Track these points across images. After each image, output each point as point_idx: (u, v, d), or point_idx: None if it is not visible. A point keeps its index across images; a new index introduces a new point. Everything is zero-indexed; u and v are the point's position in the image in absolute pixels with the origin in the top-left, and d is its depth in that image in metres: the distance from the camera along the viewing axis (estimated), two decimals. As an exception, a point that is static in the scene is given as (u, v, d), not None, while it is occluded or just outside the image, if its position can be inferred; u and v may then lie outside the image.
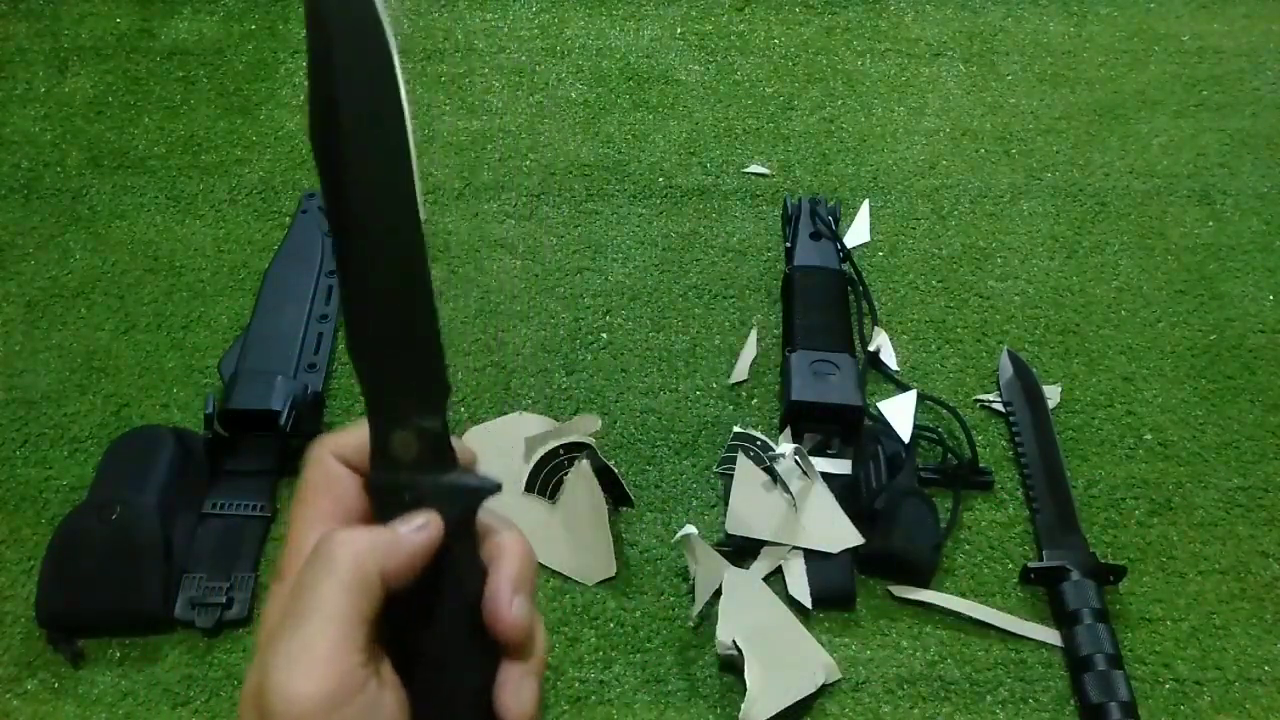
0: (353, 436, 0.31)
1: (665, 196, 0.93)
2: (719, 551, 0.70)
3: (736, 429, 0.76)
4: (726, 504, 0.72)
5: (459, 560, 0.29)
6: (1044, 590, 0.69)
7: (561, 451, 0.72)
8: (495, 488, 0.30)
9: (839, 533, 0.69)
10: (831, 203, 0.91)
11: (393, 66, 0.29)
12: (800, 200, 0.90)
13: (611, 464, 0.71)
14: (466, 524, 0.30)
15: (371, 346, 0.30)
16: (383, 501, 0.30)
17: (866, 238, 0.89)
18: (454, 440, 0.31)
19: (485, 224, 0.91)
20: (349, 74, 0.28)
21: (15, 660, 0.67)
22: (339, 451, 0.31)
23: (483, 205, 0.92)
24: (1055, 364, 0.81)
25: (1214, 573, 0.70)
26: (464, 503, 0.30)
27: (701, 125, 0.99)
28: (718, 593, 0.68)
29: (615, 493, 0.72)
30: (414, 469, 0.30)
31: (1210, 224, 0.91)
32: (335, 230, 0.30)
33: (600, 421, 0.74)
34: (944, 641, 0.67)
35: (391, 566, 0.28)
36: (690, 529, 0.67)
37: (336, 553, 0.27)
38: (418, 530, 0.29)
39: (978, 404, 0.79)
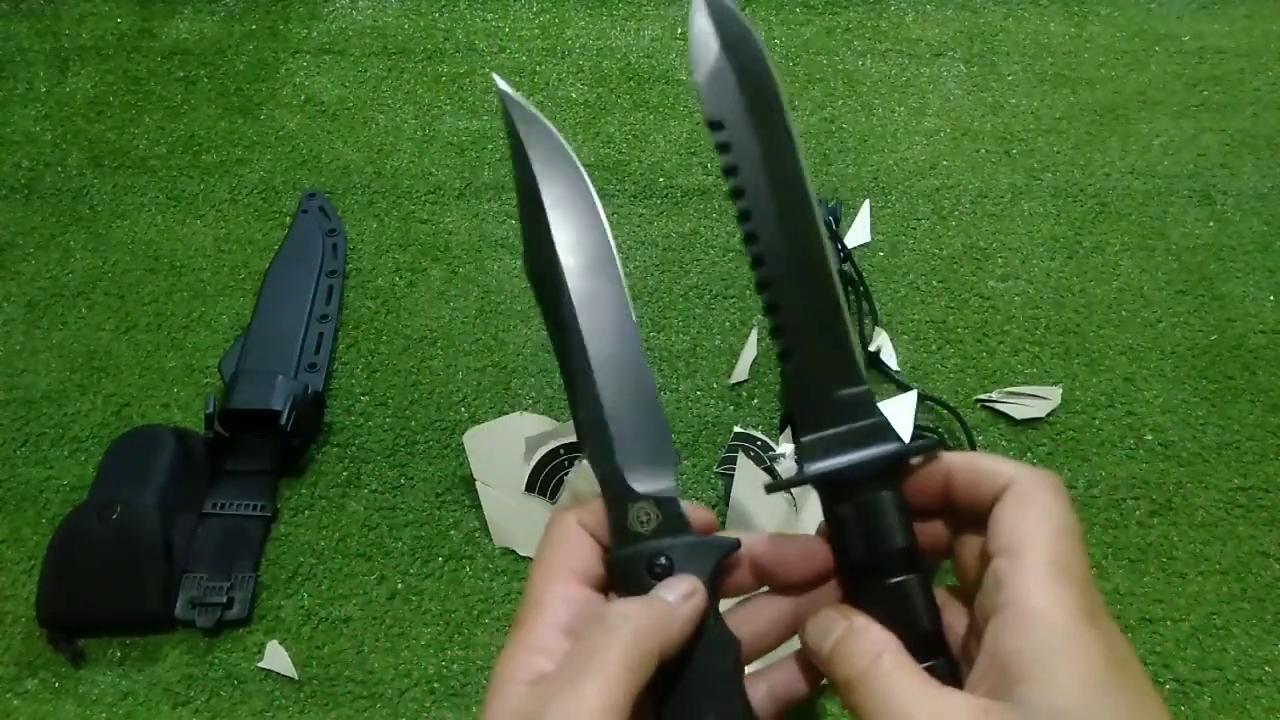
0: (595, 507, 0.32)
1: (666, 196, 0.93)
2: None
3: (737, 429, 0.76)
4: (726, 504, 0.72)
5: (711, 628, 0.31)
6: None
7: (562, 451, 0.72)
8: (735, 544, 0.32)
9: (839, 533, 0.69)
10: (832, 203, 0.91)
11: (595, 203, 0.37)
12: (800, 200, 0.90)
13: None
14: (714, 585, 0.31)
15: (603, 432, 0.33)
16: (628, 573, 0.31)
17: (867, 238, 0.89)
18: (684, 504, 0.32)
19: (486, 224, 0.91)
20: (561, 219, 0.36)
21: (15, 660, 0.67)
22: (581, 519, 0.32)
23: (483, 205, 0.92)
24: (1056, 364, 0.81)
25: (1214, 573, 0.70)
26: (712, 562, 0.31)
27: (702, 125, 0.98)
28: (718, 593, 0.68)
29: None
30: (655, 537, 0.31)
31: (1211, 224, 0.91)
32: (561, 343, 0.36)
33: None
34: (944, 642, 0.67)
35: (668, 642, 0.29)
36: (690, 529, 0.67)
37: (619, 625, 0.28)
38: (687, 599, 0.30)
39: (978, 404, 0.79)
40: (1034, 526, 0.29)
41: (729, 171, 0.35)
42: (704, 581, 0.30)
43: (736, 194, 0.34)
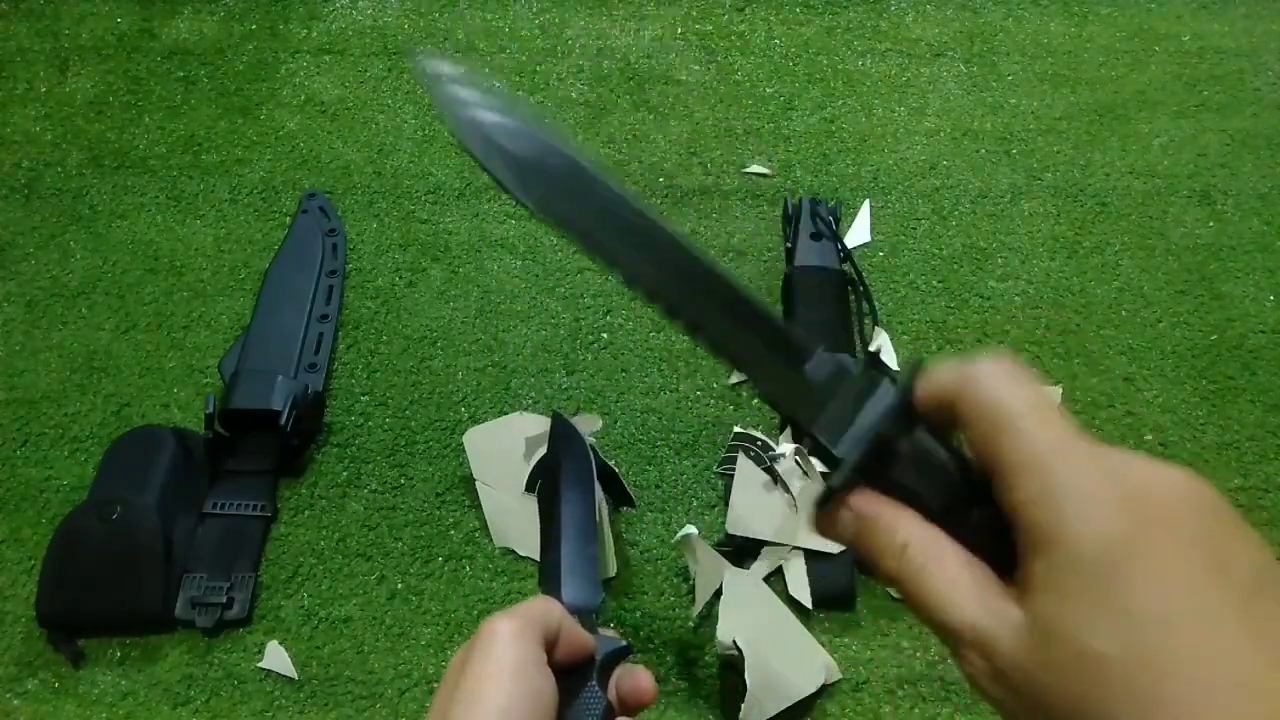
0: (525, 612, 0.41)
1: (665, 196, 0.93)
2: (719, 551, 0.70)
3: (737, 429, 0.76)
4: (727, 504, 0.72)
5: (592, 690, 0.41)
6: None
7: (562, 451, 0.72)
8: (626, 649, 0.44)
9: (839, 533, 0.69)
10: (832, 203, 0.91)
11: (592, 475, 0.60)
12: (801, 200, 0.90)
13: (612, 464, 0.71)
14: (605, 670, 0.42)
15: (557, 573, 0.53)
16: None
17: (867, 238, 0.89)
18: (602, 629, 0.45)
19: (485, 224, 0.91)
20: (568, 474, 0.59)
21: (15, 660, 0.67)
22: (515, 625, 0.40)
23: (483, 205, 0.92)
24: (1055, 364, 0.81)
25: (1214, 573, 0.70)
26: (603, 651, 0.43)
27: (702, 125, 0.99)
28: (718, 593, 0.68)
29: (616, 493, 0.72)
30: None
31: (1211, 224, 0.91)
32: (547, 535, 0.56)
33: (601, 421, 0.74)
34: (944, 642, 0.67)
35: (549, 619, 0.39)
36: (690, 529, 0.67)
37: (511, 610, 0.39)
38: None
39: (978, 404, 0.79)
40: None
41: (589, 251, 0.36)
42: (598, 666, 0.41)
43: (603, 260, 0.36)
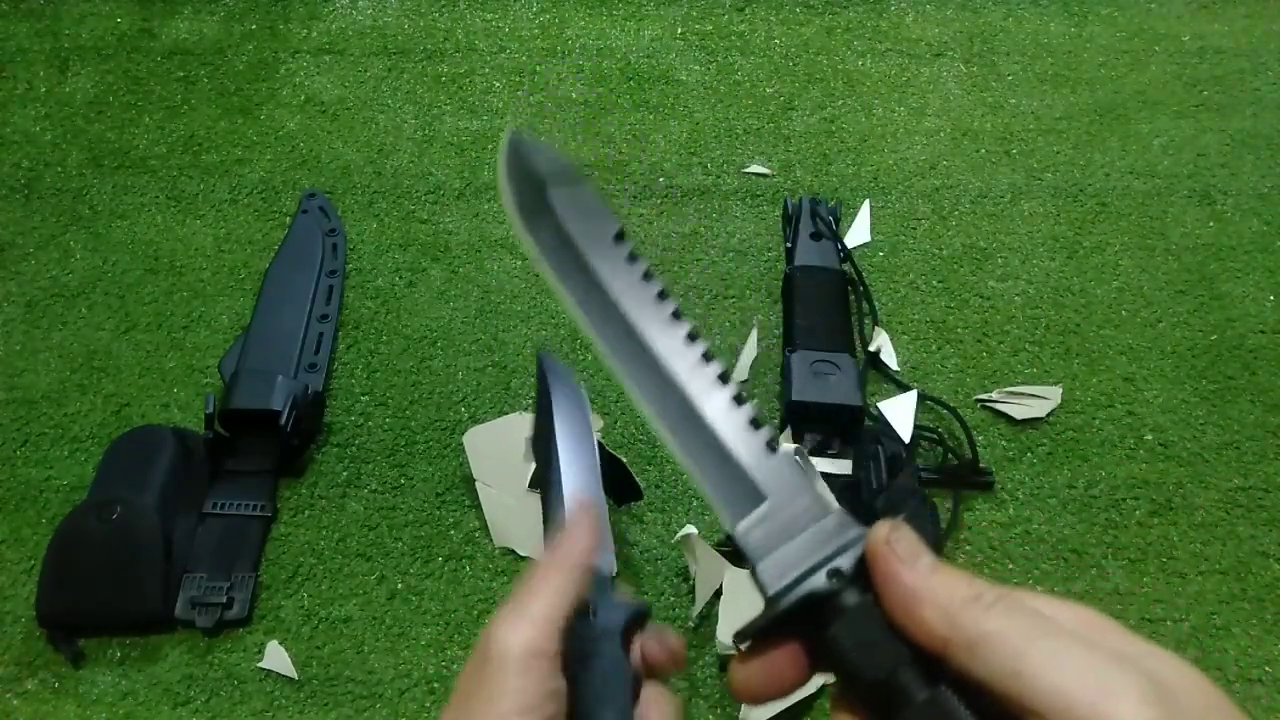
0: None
1: (666, 196, 0.93)
2: (719, 551, 0.70)
3: (737, 429, 0.76)
4: (727, 504, 0.71)
5: (617, 656, 0.39)
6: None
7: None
8: (646, 609, 0.42)
9: (839, 533, 0.69)
10: (832, 203, 0.91)
11: (588, 414, 0.55)
12: (801, 200, 0.90)
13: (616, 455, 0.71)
14: (628, 634, 0.40)
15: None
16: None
17: (867, 238, 0.89)
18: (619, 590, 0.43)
19: (486, 224, 0.91)
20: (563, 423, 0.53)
21: (15, 660, 0.67)
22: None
23: (483, 205, 0.92)
24: (1056, 364, 0.81)
25: (1214, 573, 0.70)
26: (627, 612, 0.40)
27: (702, 125, 0.99)
28: (718, 593, 0.68)
29: (620, 489, 0.72)
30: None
31: (1211, 224, 0.91)
32: (547, 491, 0.52)
33: (601, 421, 0.74)
34: (944, 642, 0.67)
35: (580, 562, 0.36)
36: (690, 529, 0.67)
37: (543, 563, 0.36)
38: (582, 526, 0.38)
39: (978, 404, 0.79)
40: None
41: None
42: (619, 632, 0.39)
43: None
